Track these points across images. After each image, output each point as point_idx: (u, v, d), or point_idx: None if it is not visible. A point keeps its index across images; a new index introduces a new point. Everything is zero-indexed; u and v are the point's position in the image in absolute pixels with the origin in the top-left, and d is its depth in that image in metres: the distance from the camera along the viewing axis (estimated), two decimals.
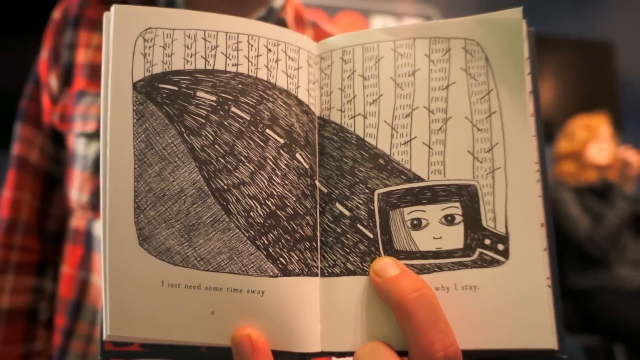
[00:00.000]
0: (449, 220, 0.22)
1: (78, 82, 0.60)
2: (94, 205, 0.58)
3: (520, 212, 0.22)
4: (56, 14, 0.65)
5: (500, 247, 0.22)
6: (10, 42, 2.30)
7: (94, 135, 0.58)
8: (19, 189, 0.63)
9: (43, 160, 0.64)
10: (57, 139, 0.65)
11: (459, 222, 0.22)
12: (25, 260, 0.63)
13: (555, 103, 3.20)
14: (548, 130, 3.13)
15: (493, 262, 0.22)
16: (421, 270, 0.22)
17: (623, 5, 3.56)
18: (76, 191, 0.59)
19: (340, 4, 2.95)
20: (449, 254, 0.22)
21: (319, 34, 0.67)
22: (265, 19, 0.61)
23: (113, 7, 0.22)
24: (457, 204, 0.22)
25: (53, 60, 0.63)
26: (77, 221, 0.60)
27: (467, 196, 0.22)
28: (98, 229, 0.58)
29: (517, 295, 0.21)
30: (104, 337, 0.22)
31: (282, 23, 0.62)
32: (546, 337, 0.21)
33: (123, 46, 0.22)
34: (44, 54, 0.65)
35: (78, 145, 0.59)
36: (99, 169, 0.60)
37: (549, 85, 3.23)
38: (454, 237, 0.22)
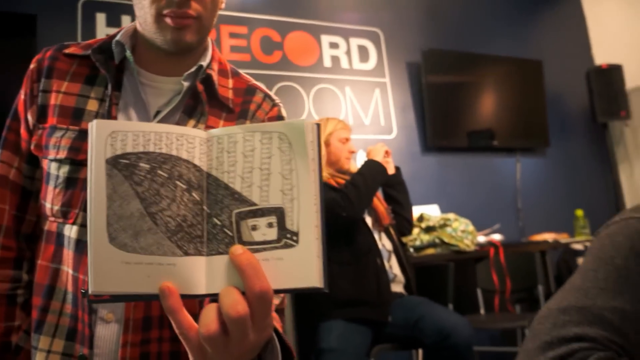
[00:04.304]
0: (270, 225, 0.45)
1: (50, 119, 0.80)
2: (63, 213, 0.77)
3: (305, 220, 0.44)
4: (32, 65, 0.84)
5: (295, 238, 0.44)
6: None
7: (63, 161, 0.78)
8: (0, 201, 0.82)
9: (20, 178, 0.83)
10: (31, 161, 0.84)
11: (275, 226, 0.45)
12: (5, 255, 0.81)
13: (494, 112, 3.52)
14: (489, 137, 3.44)
15: (291, 246, 0.44)
16: (255, 250, 0.44)
17: (550, 28, 3.94)
18: (49, 203, 0.78)
19: (291, 24, 3.18)
20: (270, 242, 0.45)
21: (238, 82, 0.88)
22: (195, 74, 0.81)
23: (95, 121, 0.44)
24: (274, 217, 0.45)
25: (29, 101, 0.83)
26: (49, 225, 0.79)
27: (279, 213, 0.45)
28: (67, 230, 0.77)
29: (302, 262, 0.44)
30: (90, 292, 0.43)
31: (208, 77, 0.82)
32: (315, 281, 0.43)
33: (100, 141, 0.44)
34: (22, 95, 0.84)
35: (51, 168, 0.79)
36: (68, 186, 0.81)
37: (489, 97, 3.55)
38: (272, 234, 0.45)
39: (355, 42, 3.33)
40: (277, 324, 0.64)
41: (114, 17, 2.68)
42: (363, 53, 3.34)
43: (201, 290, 0.45)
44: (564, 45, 3.90)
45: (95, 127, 0.44)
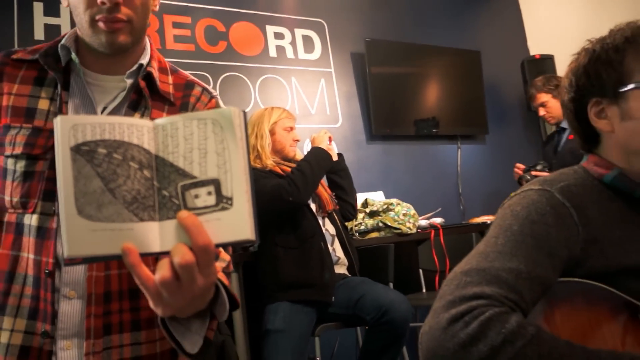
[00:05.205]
0: (209, 193, 0.58)
1: (4, 119, 0.89)
2: (22, 204, 0.87)
3: (237, 187, 0.58)
4: None
5: (230, 202, 0.58)
6: None
7: (20, 156, 0.87)
8: None
9: None
10: None
11: (213, 194, 0.58)
12: None
13: (437, 101, 3.74)
14: (434, 125, 3.66)
15: (227, 209, 0.57)
16: (198, 214, 0.57)
17: (488, 20, 4.21)
18: (8, 195, 0.88)
19: (236, 14, 3.27)
20: (210, 207, 0.58)
21: (177, 78, 1.00)
22: (137, 72, 0.93)
23: (59, 117, 0.55)
24: (212, 187, 0.58)
25: None
26: (8, 217, 0.88)
27: (216, 183, 0.58)
28: (27, 220, 0.86)
29: (236, 221, 0.57)
30: (65, 256, 0.55)
31: (149, 74, 0.94)
32: (248, 234, 0.56)
33: (64, 133, 0.55)
34: None
35: (8, 164, 0.88)
36: (25, 179, 0.93)
37: (432, 86, 3.77)
38: (211, 200, 0.58)
39: (300, 32, 3.46)
40: (225, 281, 0.77)
41: (52, 7, 2.68)
42: (308, 43, 3.47)
43: (156, 248, 0.58)
44: (500, 36, 4.18)
45: (59, 122, 0.56)
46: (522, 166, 2.93)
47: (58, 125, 0.55)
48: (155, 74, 0.95)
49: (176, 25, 3.06)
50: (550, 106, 3.03)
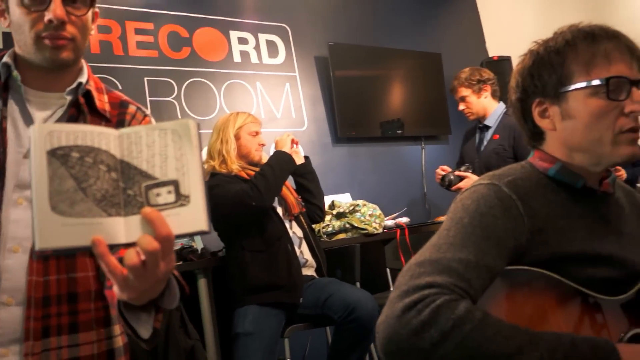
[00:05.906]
0: (169, 192, 0.68)
1: None
2: None
3: (193, 187, 0.67)
4: None
5: (187, 199, 0.67)
6: None
7: None
8: None
9: None
10: None
11: (173, 193, 0.68)
12: None
13: (401, 103, 3.89)
14: (399, 126, 3.81)
15: (184, 205, 0.67)
16: (160, 210, 0.67)
17: (448, 23, 4.39)
18: None
19: (199, 20, 3.35)
20: (170, 204, 0.67)
21: (112, 97, 1.08)
22: (76, 90, 1.01)
23: (36, 124, 0.64)
24: (172, 187, 0.68)
25: None
26: None
27: (175, 184, 0.68)
28: None
29: (193, 215, 0.67)
30: (36, 249, 0.64)
31: (88, 92, 1.02)
32: (203, 226, 0.66)
33: (40, 138, 0.65)
34: None
35: None
36: None
37: (395, 89, 3.92)
38: (171, 198, 0.67)
39: (263, 37, 3.56)
40: (176, 272, 0.87)
41: None
42: (272, 48, 3.58)
43: (122, 240, 0.67)
44: (460, 39, 4.37)
45: (36, 129, 0.65)
46: (447, 168, 2.85)
47: (36, 132, 0.65)
48: (94, 92, 1.04)
49: (139, 31, 3.12)
50: (470, 101, 2.88)
